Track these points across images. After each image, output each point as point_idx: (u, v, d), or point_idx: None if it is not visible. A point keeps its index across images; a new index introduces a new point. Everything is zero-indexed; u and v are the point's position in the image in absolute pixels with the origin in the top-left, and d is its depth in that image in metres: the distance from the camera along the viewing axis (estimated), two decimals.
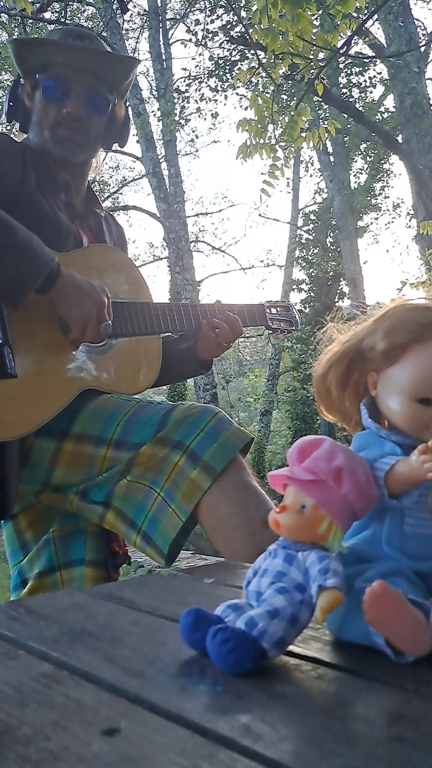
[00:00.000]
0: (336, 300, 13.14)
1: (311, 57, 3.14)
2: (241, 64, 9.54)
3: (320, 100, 8.46)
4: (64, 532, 1.40)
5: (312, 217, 14.91)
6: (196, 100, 11.39)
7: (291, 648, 0.59)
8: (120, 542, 1.47)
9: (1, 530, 1.52)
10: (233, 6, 6.78)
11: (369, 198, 13.23)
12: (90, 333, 1.28)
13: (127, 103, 1.53)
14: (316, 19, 4.78)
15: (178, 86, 11.68)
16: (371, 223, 14.42)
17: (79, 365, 1.35)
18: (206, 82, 11.12)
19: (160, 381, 1.52)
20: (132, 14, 11.93)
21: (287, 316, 1.69)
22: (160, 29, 11.71)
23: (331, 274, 13.46)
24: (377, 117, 11.58)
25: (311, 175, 16.72)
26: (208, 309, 1.52)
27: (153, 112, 12.23)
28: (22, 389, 1.25)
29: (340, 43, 3.45)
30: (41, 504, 1.39)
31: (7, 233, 1.20)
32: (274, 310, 1.67)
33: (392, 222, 21.22)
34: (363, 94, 11.60)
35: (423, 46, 8.77)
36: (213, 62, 10.62)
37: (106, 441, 1.29)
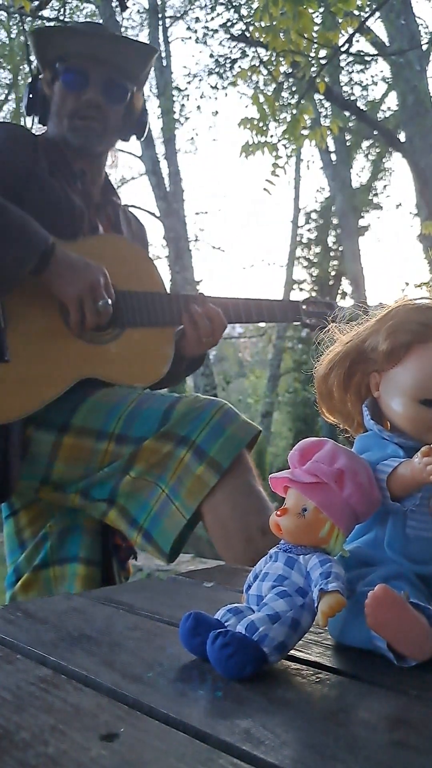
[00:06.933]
0: (338, 299, 13.15)
1: (312, 55, 3.13)
2: (242, 62, 9.53)
3: (322, 98, 8.45)
4: (61, 527, 1.39)
5: (313, 216, 14.89)
6: (196, 98, 11.39)
7: (292, 652, 0.59)
8: (123, 535, 1.44)
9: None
10: (233, 4, 6.77)
11: (371, 197, 13.21)
12: (89, 313, 1.26)
13: (146, 96, 1.54)
14: (318, 16, 4.78)
15: (177, 84, 11.67)
16: (373, 222, 14.41)
17: (80, 353, 1.32)
18: (206, 80, 11.12)
19: (157, 384, 1.45)
20: (131, 12, 11.88)
21: (322, 314, 1.59)
22: (160, 27, 11.68)
23: (332, 273, 13.45)
24: (379, 115, 11.56)
25: (313, 174, 16.69)
26: (221, 302, 1.45)
27: (152, 110, 12.24)
28: (16, 373, 1.24)
29: (341, 41, 3.43)
30: (41, 501, 1.38)
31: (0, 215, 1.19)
32: (311, 308, 1.60)
33: (394, 221, 21.18)
34: (365, 92, 11.58)
35: (425, 44, 8.74)
36: (213, 60, 10.61)
37: (108, 435, 1.27)
